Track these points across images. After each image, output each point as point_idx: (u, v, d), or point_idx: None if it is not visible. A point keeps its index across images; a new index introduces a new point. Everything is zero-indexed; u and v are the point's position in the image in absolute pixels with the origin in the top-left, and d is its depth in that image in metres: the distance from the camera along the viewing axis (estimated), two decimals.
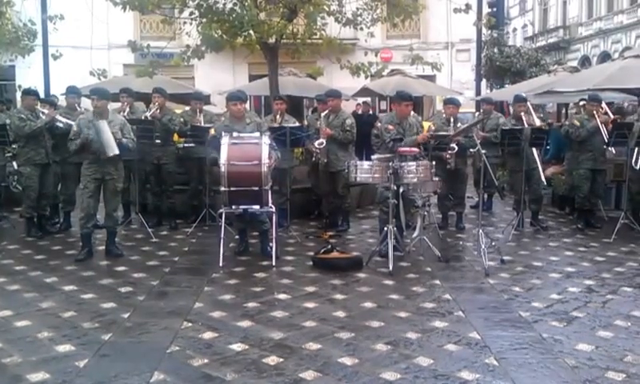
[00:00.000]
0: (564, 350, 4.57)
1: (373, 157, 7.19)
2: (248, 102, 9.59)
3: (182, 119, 9.10)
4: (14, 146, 8.86)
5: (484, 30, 18.22)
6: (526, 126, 8.66)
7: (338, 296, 5.88)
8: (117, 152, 6.98)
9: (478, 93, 17.76)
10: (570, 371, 4.22)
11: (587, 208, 9.02)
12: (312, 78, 14.79)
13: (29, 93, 8.49)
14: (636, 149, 8.43)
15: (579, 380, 4.09)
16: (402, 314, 5.35)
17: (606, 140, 8.43)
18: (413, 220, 7.68)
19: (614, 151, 8.82)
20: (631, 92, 11.58)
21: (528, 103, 9.15)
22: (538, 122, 8.91)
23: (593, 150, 8.78)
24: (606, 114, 9.01)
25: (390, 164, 6.71)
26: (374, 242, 7.71)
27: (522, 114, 8.85)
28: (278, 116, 8.86)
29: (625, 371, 4.21)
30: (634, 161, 8.48)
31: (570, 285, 6.26)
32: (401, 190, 7.02)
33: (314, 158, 8.79)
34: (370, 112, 18.32)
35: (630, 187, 8.68)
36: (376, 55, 12.41)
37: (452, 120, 8.65)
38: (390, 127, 7.36)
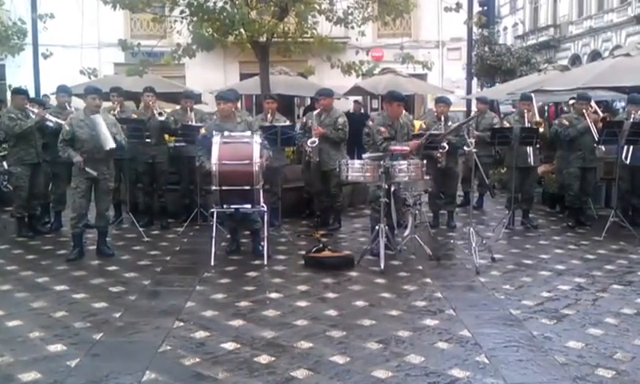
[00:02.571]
0: (554, 348, 4.60)
1: (364, 155, 7.20)
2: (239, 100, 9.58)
3: (172, 118, 9.08)
4: (4, 146, 8.81)
5: (475, 29, 18.24)
6: (527, 123, 8.75)
7: (330, 295, 5.90)
8: (113, 145, 6.95)
9: (469, 91, 17.80)
10: (560, 368, 4.25)
11: (577, 206, 9.08)
12: (303, 77, 14.78)
13: (19, 92, 8.45)
14: (625, 146, 8.48)
15: (569, 377, 4.12)
16: (394, 313, 5.37)
17: (597, 139, 8.49)
18: (404, 219, 7.69)
19: (603, 149, 8.89)
20: (621, 90, 11.64)
21: (534, 101, 9.27)
22: (537, 119, 9.02)
23: (582, 148, 8.84)
24: (595, 112, 9.08)
25: (382, 163, 6.72)
26: (365, 241, 7.73)
27: (526, 111, 8.94)
28: (269, 115, 8.86)
29: (614, 368, 4.24)
30: (624, 156, 8.52)
31: (560, 282, 6.30)
32: (392, 188, 7.04)
33: (307, 157, 8.79)
34: (362, 111, 18.33)
35: (620, 185, 8.73)
36: (367, 54, 12.40)
37: (443, 119, 8.70)
38: (382, 129, 7.36)
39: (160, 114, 8.75)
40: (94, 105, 7.11)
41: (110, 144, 6.92)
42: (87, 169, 6.93)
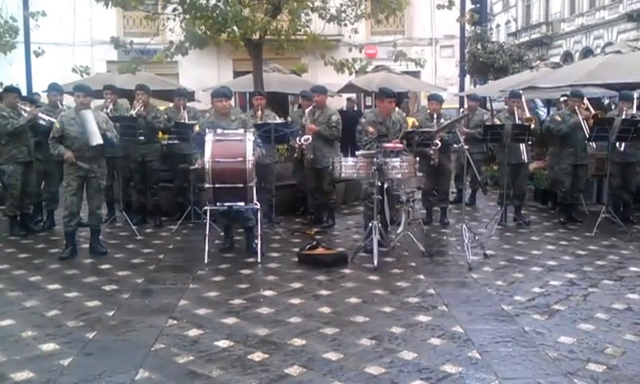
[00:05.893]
0: (546, 343, 4.62)
1: (357, 153, 7.21)
2: (233, 98, 9.58)
3: (165, 116, 9.07)
4: None
5: (467, 26, 18.32)
6: (517, 120, 8.79)
7: (323, 292, 5.91)
8: (101, 141, 6.93)
9: (462, 89, 17.87)
10: (552, 363, 4.27)
11: (569, 202, 9.12)
12: (296, 75, 14.79)
13: (10, 90, 8.42)
14: (617, 143, 8.52)
15: (560, 372, 4.14)
16: (387, 309, 5.39)
17: (587, 135, 8.53)
18: (397, 216, 7.71)
19: (594, 146, 8.94)
20: (612, 87, 11.70)
21: (523, 99, 9.31)
22: (527, 116, 9.07)
23: (574, 145, 8.88)
24: (587, 109, 9.12)
25: (375, 160, 6.73)
26: (359, 238, 7.74)
27: (515, 108, 8.98)
28: (258, 111, 8.86)
29: (605, 363, 4.27)
30: (618, 145, 8.53)
31: (551, 278, 6.33)
32: (385, 185, 7.05)
33: (295, 155, 8.79)
34: (355, 108, 18.35)
35: (611, 182, 8.78)
36: (360, 51, 12.40)
37: (435, 116, 8.73)
38: (371, 130, 7.37)
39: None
40: (80, 102, 7.10)
41: (97, 140, 6.89)
42: (80, 163, 6.93)
